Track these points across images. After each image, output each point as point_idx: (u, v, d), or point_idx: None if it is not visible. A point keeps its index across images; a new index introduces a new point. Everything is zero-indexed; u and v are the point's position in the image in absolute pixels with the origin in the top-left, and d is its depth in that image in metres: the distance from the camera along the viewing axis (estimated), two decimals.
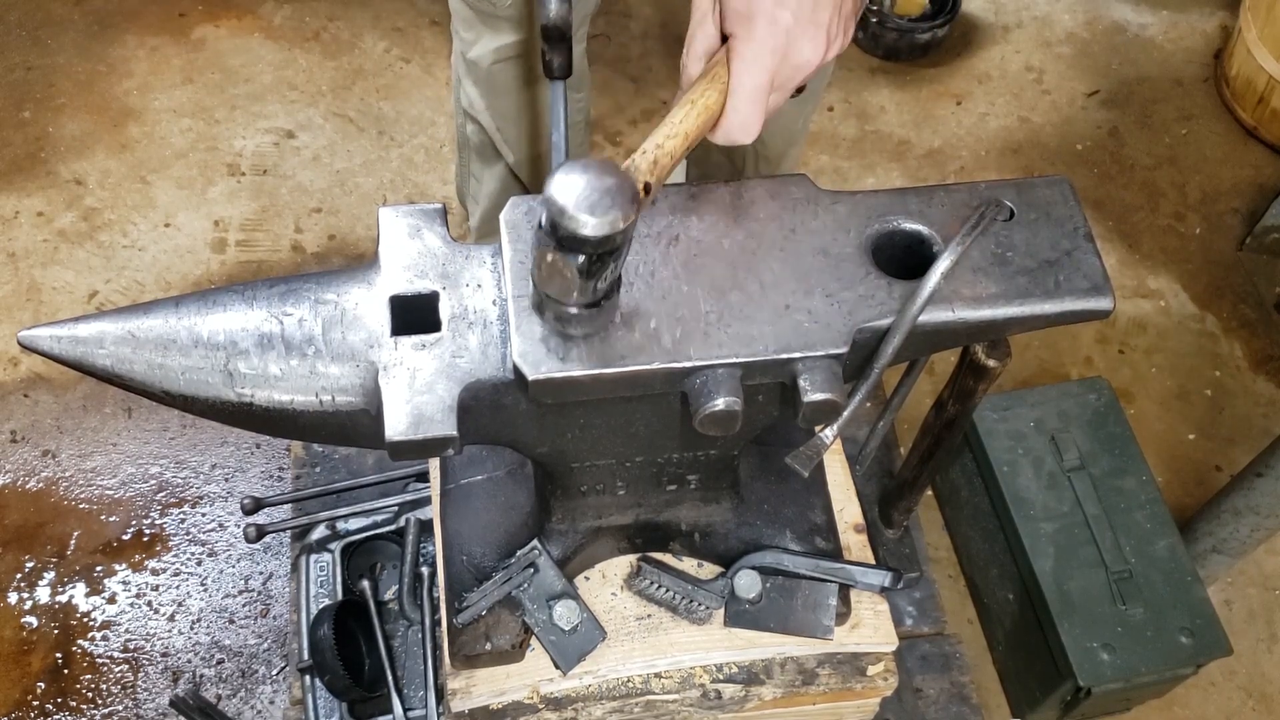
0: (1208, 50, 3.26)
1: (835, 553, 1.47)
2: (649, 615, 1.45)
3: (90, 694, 2.18)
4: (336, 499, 2.02)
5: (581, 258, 0.95)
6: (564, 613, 1.39)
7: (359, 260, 2.73)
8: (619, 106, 3.05)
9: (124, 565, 2.33)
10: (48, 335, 1.11)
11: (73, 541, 2.35)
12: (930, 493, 2.44)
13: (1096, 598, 2.01)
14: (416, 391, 1.08)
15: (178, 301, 1.13)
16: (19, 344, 1.11)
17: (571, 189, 0.92)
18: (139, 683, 2.20)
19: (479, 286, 1.15)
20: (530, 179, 2.14)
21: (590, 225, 0.92)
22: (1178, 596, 2.00)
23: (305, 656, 1.85)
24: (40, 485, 2.42)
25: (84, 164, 2.89)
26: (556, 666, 1.40)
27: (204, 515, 2.39)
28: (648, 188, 1.01)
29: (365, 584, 1.87)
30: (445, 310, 1.13)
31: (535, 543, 1.39)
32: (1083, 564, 2.04)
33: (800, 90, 1.12)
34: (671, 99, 1.10)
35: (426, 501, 1.90)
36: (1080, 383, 2.26)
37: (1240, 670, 2.29)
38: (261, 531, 1.96)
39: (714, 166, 2.36)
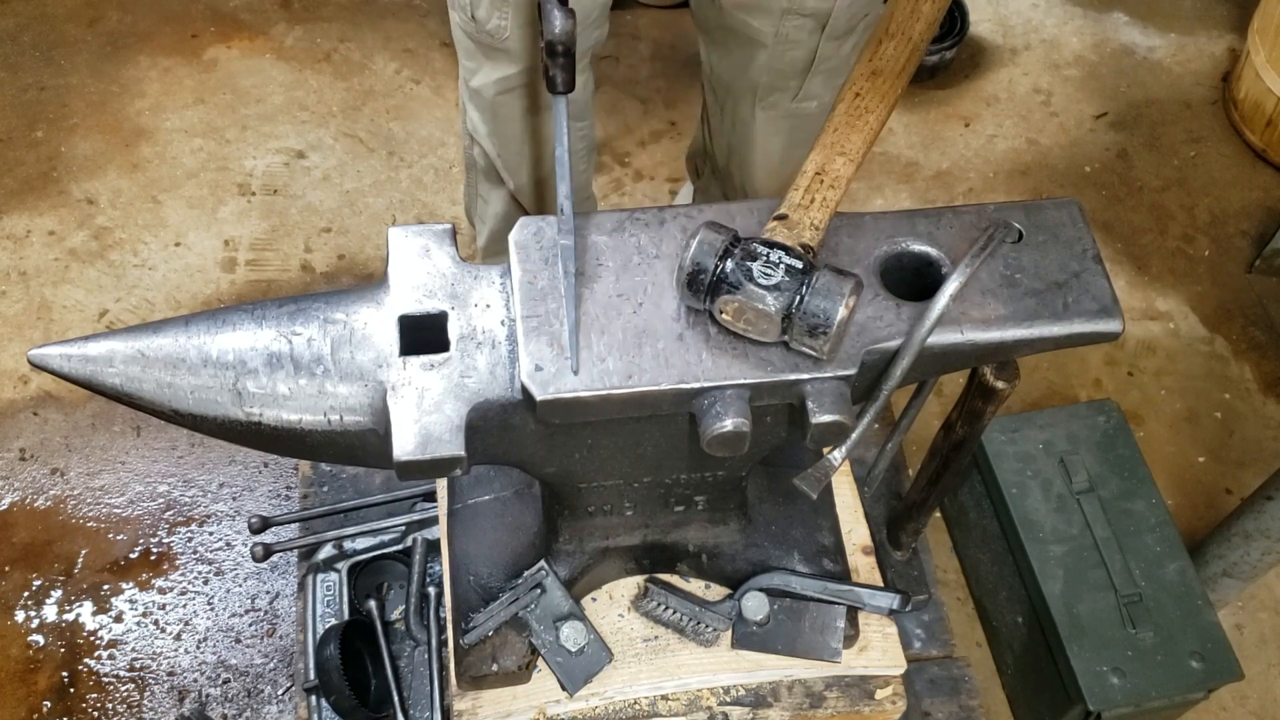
0: (1216, 73, 3.26)
1: (843, 575, 1.47)
2: (656, 637, 1.45)
3: (96, 713, 2.18)
4: (344, 518, 2.01)
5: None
6: (571, 634, 1.38)
7: (368, 280, 2.74)
8: (627, 128, 3.06)
9: (131, 584, 2.32)
10: (58, 354, 1.12)
11: (80, 560, 2.35)
12: (939, 515, 2.43)
13: (1106, 621, 1.99)
14: (425, 411, 1.08)
15: (187, 320, 1.14)
16: (29, 362, 1.12)
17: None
18: (145, 702, 2.20)
19: (488, 307, 1.15)
20: (533, 204, 2.15)
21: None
22: (1188, 620, 1.99)
23: (311, 676, 1.85)
24: (48, 503, 2.42)
25: (96, 183, 2.90)
26: (563, 688, 1.40)
27: (211, 534, 2.39)
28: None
29: (372, 604, 1.86)
30: (454, 330, 1.13)
31: (542, 563, 1.38)
32: (1092, 587, 2.03)
33: None
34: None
35: (434, 521, 1.90)
36: (1089, 405, 2.25)
37: (1252, 695, 2.28)
38: (269, 550, 1.96)
39: (713, 197, 2.38)
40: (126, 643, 2.26)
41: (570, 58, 1.19)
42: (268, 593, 2.32)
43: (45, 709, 2.18)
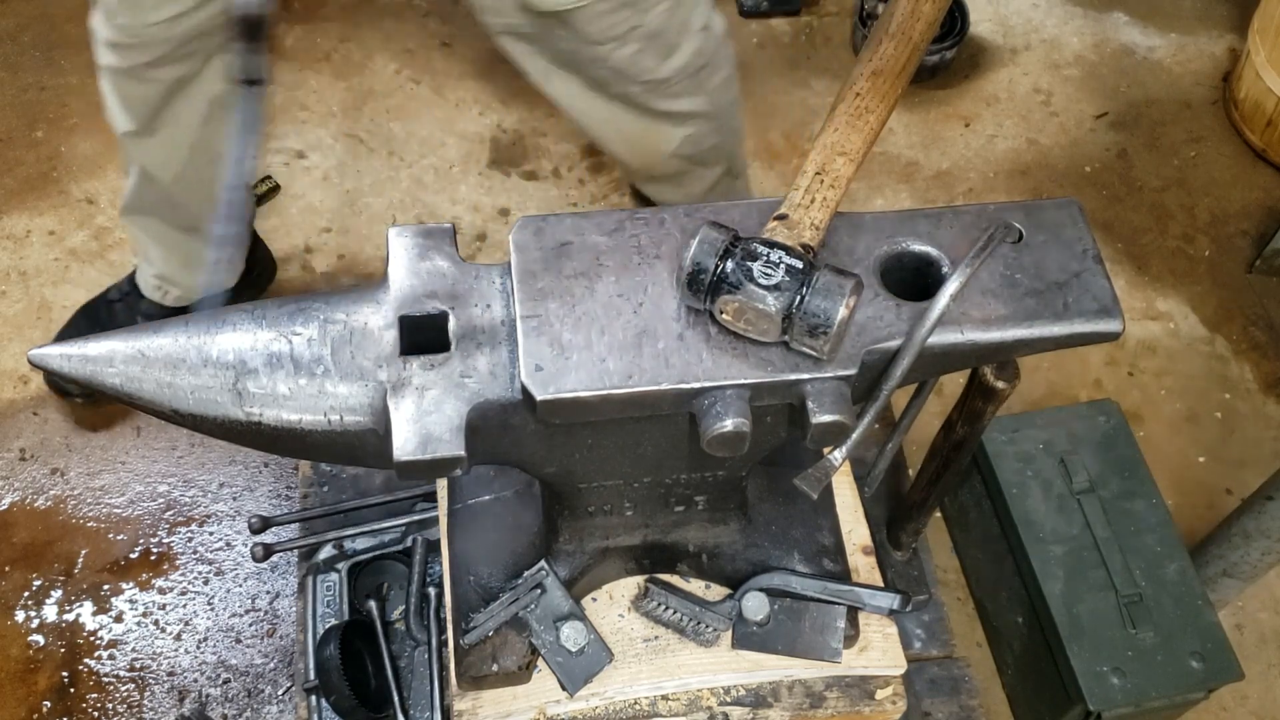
0: (1216, 73, 3.26)
1: (843, 575, 1.47)
2: (656, 637, 1.45)
3: (96, 713, 2.18)
4: (344, 518, 2.01)
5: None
6: (571, 634, 1.39)
7: (368, 280, 2.74)
8: None
9: (131, 584, 2.32)
10: (58, 354, 1.12)
11: (80, 560, 2.35)
12: (939, 515, 2.43)
13: (1106, 621, 1.99)
14: (425, 411, 1.08)
15: (187, 320, 1.14)
16: (29, 362, 1.12)
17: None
18: (145, 702, 2.20)
19: (488, 306, 1.15)
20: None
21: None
22: (1188, 620, 1.99)
23: (311, 677, 1.85)
24: (48, 503, 2.42)
25: (96, 183, 2.90)
26: (563, 688, 1.40)
27: (211, 534, 2.39)
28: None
29: (372, 604, 1.86)
30: (454, 330, 1.13)
31: (543, 563, 1.39)
32: (1092, 587, 2.03)
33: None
34: None
35: (434, 521, 1.90)
36: (1089, 405, 2.25)
37: (1252, 695, 2.28)
38: (269, 550, 1.96)
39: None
40: (126, 643, 2.26)
41: (263, 40, 1.16)
42: (268, 593, 2.32)
43: (45, 709, 2.18)
